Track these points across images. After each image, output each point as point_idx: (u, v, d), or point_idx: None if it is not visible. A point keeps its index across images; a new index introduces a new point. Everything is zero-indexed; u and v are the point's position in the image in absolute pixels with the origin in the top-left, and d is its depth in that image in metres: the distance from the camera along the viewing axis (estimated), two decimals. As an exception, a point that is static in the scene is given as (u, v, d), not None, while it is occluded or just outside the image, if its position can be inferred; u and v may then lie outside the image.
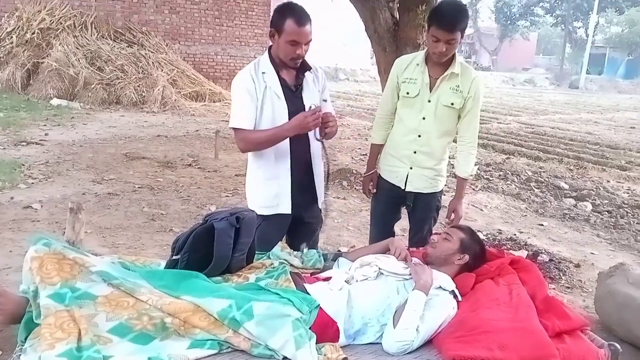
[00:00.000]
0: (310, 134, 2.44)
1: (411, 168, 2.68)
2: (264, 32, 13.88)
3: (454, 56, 2.56)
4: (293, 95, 2.42)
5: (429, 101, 2.60)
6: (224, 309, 1.76)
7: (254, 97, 2.36)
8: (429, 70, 2.60)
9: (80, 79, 10.20)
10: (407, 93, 2.64)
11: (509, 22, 38.72)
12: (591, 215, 5.33)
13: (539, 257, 3.98)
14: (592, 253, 4.31)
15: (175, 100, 10.71)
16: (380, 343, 1.93)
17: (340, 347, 1.87)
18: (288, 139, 2.38)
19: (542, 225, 4.95)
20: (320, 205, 2.62)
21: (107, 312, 1.71)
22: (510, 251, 3.81)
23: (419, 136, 2.64)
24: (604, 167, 7.71)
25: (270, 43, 2.39)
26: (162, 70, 11.19)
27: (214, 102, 11.60)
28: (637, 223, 5.15)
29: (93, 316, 1.69)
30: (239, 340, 1.76)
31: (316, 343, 1.80)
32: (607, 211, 5.47)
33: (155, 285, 1.86)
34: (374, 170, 2.86)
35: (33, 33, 10.64)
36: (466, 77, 2.58)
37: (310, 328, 1.84)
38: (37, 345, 1.59)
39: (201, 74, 12.33)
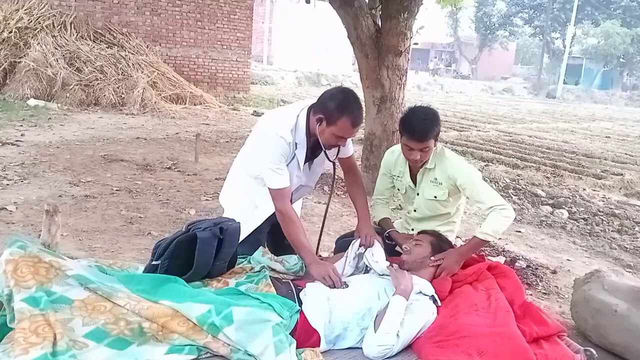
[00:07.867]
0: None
1: (412, 229, 2.76)
2: (246, 35, 13.86)
3: None
4: (310, 161, 2.51)
5: (418, 194, 2.66)
6: (203, 314, 1.74)
7: (286, 159, 2.37)
8: (410, 166, 2.64)
9: (58, 79, 10.03)
10: (399, 190, 2.74)
11: (488, 31, 39.36)
12: (567, 222, 5.41)
13: (516, 263, 4.03)
14: (568, 260, 4.37)
15: (155, 102, 10.59)
16: (360, 348, 1.94)
17: (321, 352, 1.87)
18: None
19: (519, 231, 5.01)
20: None
21: (83, 317, 1.68)
22: (489, 257, 3.85)
23: (415, 220, 2.75)
24: (580, 176, 7.83)
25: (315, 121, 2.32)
26: (143, 72, 11.06)
27: (195, 104, 11.52)
28: (612, 230, 5.24)
29: (69, 320, 1.66)
30: (218, 346, 1.74)
31: (296, 348, 1.80)
32: (583, 219, 5.56)
33: (133, 289, 1.84)
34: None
35: (10, 32, 10.43)
36: (441, 168, 2.56)
37: (291, 333, 1.83)
38: (11, 350, 1.55)
39: (182, 77, 12.23)
